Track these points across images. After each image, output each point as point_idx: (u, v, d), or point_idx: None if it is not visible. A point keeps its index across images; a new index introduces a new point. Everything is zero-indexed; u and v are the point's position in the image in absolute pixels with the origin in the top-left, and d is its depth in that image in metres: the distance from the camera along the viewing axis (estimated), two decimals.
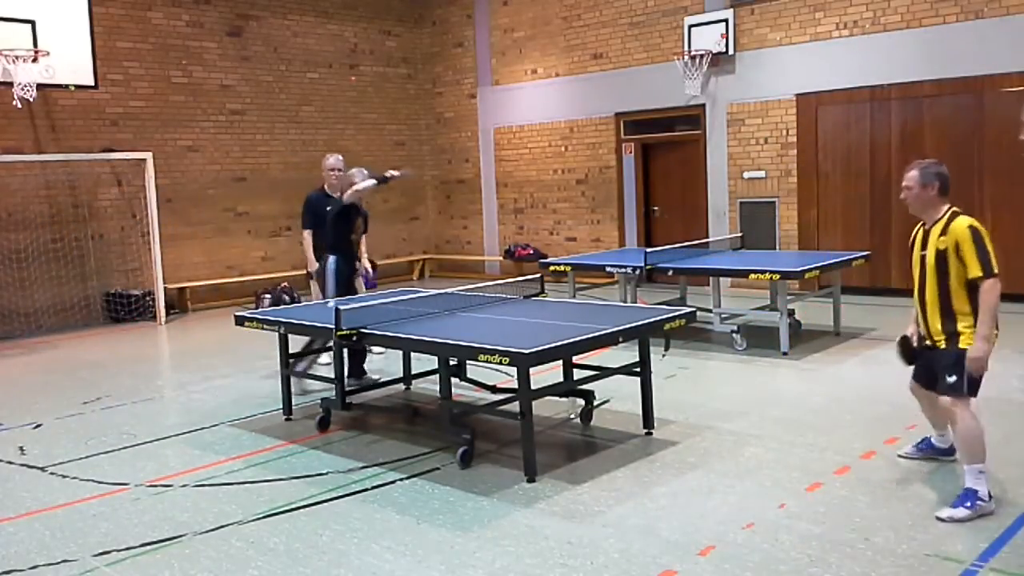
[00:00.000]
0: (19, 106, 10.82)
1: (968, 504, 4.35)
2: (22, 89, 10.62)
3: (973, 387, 4.46)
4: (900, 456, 5.23)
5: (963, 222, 4.47)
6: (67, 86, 11.31)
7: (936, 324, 4.56)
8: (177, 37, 13.14)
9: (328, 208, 8.31)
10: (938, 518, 4.35)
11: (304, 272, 9.17)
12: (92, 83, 11.42)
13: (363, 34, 15.60)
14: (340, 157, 8.62)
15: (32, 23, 10.68)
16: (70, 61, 11.06)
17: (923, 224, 4.68)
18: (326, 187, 8.49)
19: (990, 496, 4.38)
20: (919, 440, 5.23)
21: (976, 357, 4.37)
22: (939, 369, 4.53)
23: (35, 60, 10.68)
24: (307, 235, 8.50)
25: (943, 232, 4.49)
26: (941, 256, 4.49)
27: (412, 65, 16.42)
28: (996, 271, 4.37)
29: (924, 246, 4.61)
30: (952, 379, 4.44)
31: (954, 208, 4.60)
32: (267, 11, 14.23)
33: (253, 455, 5.90)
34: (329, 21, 15.08)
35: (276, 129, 14.31)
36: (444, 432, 5.73)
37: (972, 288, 4.42)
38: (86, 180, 12.16)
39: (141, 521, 4.80)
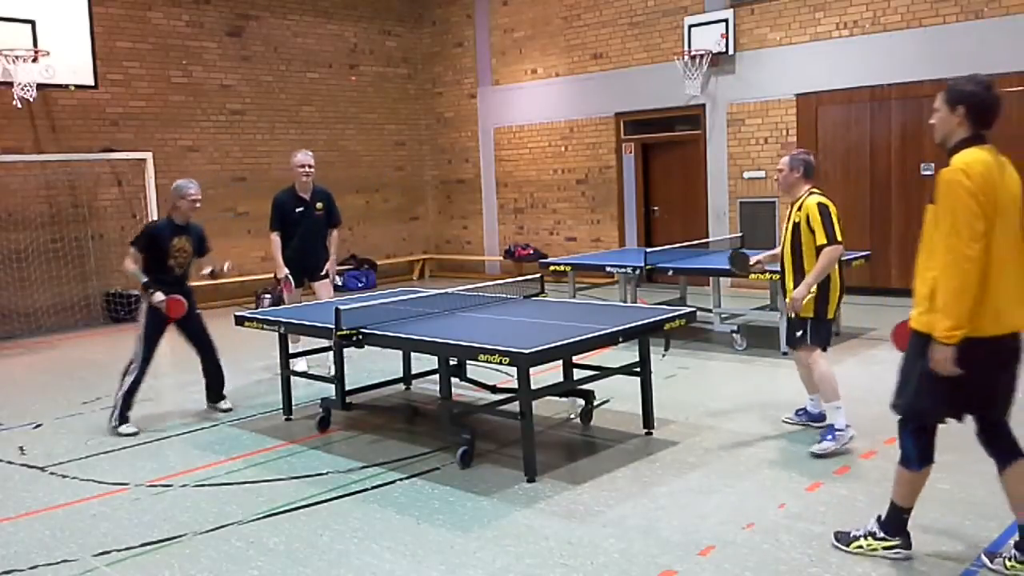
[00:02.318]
0: (19, 106, 10.83)
1: (830, 437, 5.28)
2: (22, 89, 10.63)
3: (816, 338, 5.46)
4: (783, 421, 6.00)
5: (814, 199, 5.41)
6: (67, 86, 11.31)
7: (790, 284, 5.50)
8: (177, 37, 13.14)
9: (298, 210, 8.01)
10: (811, 452, 5.24)
11: (272, 276, 8.48)
12: (92, 83, 11.43)
13: (363, 34, 15.61)
14: (310, 153, 8.16)
15: (32, 23, 10.69)
16: (70, 61, 11.07)
17: (790, 203, 5.62)
18: (296, 186, 8.10)
19: (847, 425, 5.28)
20: (798, 408, 6.00)
21: (794, 297, 5.35)
22: (791, 329, 5.53)
23: (35, 60, 10.69)
24: (275, 237, 8.01)
25: (799, 207, 5.45)
26: (796, 227, 5.43)
27: (412, 65, 16.42)
28: (839, 240, 5.30)
29: (788, 219, 5.56)
30: (799, 333, 5.46)
31: (812, 189, 5.53)
32: (267, 11, 14.23)
33: (253, 455, 5.90)
34: (329, 21, 15.08)
35: (276, 129, 14.31)
36: (444, 432, 5.73)
37: (820, 253, 5.33)
38: (86, 180, 12.16)
39: (141, 521, 4.80)
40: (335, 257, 8.31)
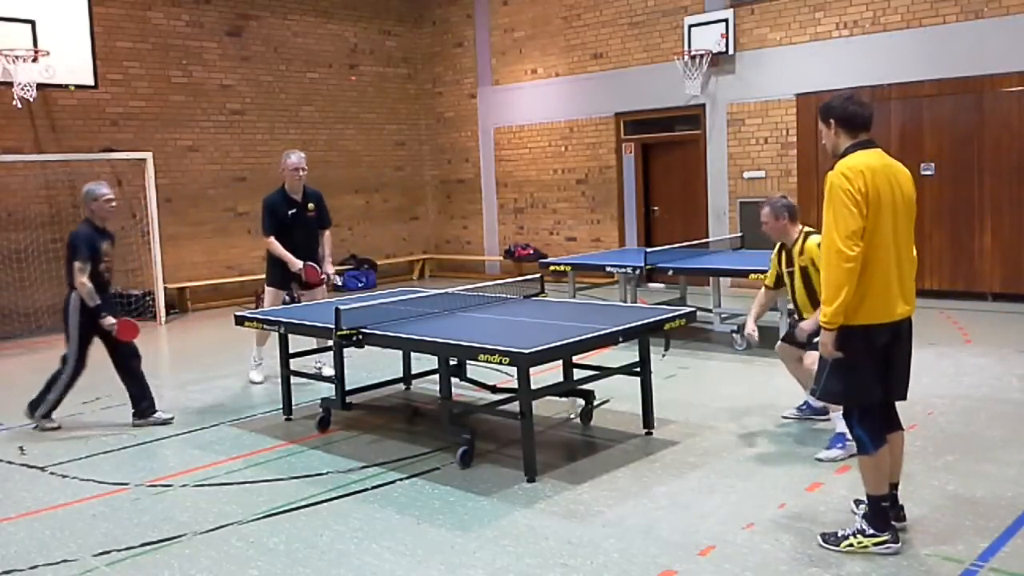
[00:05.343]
0: (19, 106, 10.82)
1: (840, 445, 5.16)
2: (22, 89, 10.63)
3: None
4: (783, 417, 6.05)
5: (813, 241, 5.43)
6: (67, 86, 11.30)
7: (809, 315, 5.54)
8: (177, 37, 13.14)
9: (291, 212, 7.75)
10: (818, 459, 5.15)
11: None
12: (92, 83, 11.42)
13: (363, 34, 15.60)
14: (304, 155, 7.87)
15: (32, 23, 10.68)
16: (70, 61, 11.06)
17: (783, 245, 5.75)
18: (287, 187, 7.81)
19: None
20: (800, 403, 6.04)
21: (802, 327, 5.39)
22: (810, 334, 5.31)
23: (35, 60, 10.68)
24: (272, 240, 7.70)
25: (800, 252, 5.55)
26: (804, 270, 5.54)
27: (412, 65, 16.42)
28: None
29: (790, 263, 5.67)
30: (815, 339, 5.16)
31: (805, 229, 5.64)
32: (267, 11, 14.23)
33: (253, 455, 5.90)
34: (329, 21, 15.08)
35: (276, 129, 14.31)
36: (444, 432, 5.73)
37: None
38: (86, 180, 11.99)
39: (141, 521, 4.80)
40: (331, 259, 8.07)
